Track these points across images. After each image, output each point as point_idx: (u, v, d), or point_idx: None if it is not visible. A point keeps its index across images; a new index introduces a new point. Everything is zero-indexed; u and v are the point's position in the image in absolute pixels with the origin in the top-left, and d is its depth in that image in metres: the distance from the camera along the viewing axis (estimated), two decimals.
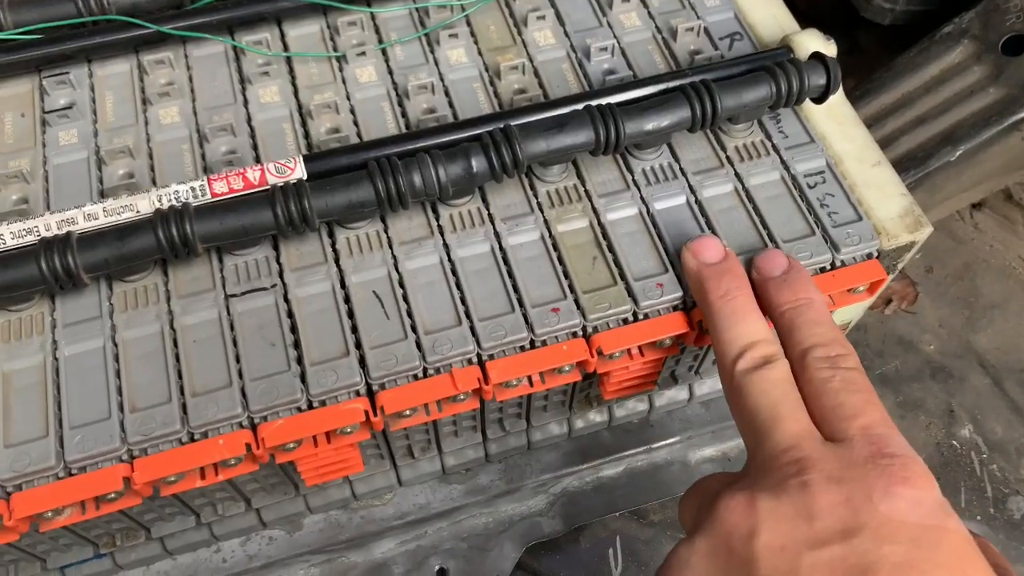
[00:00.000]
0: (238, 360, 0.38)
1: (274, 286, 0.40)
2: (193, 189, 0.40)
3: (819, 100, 0.46)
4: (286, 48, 0.49)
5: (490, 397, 0.40)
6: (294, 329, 0.39)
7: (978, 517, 0.60)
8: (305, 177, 0.41)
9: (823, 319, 0.37)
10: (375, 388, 0.38)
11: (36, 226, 0.39)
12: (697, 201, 0.43)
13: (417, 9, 0.51)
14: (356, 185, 0.40)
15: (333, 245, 0.42)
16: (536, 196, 0.44)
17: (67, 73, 0.47)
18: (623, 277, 0.41)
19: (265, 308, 0.40)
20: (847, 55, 0.84)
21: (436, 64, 0.49)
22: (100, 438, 0.36)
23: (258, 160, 0.44)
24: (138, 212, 0.40)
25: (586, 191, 0.44)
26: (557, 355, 0.40)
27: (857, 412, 0.34)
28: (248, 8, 0.48)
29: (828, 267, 0.42)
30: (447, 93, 0.47)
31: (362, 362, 0.38)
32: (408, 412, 0.39)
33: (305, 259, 0.41)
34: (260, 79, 0.47)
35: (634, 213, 0.43)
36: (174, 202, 0.40)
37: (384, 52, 0.49)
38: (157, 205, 0.40)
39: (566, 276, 0.41)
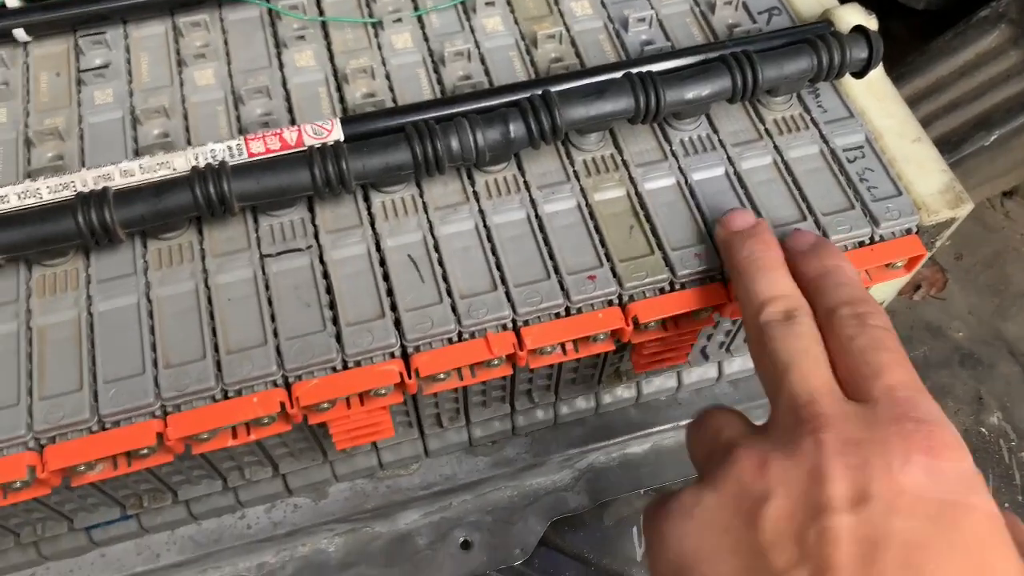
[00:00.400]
0: (273, 319, 0.38)
1: (309, 247, 0.40)
2: (230, 148, 0.40)
3: (859, 74, 0.45)
4: (321, 13, 0.49)
5: (523, 363, 0.39)
6: (329, 290, 0.39)
7: (1006, 504, 0.60)
8: (342, 139, 0.41)
9: (852, 281, 0.36)
10: (410, 351, 0.38)
11: (72, 181, 0.39)
12: (736, 173, 0.43)
13: None
14: (393, 148, 0.40)
15: (369, 209, 0.42)
16: (572, 164, 0.43)
17: (103, 33, 0.47)
18: (660, 246, 0.40)
19: (300, 269, 0.40)
20: None
21: (472, 32, 0.48)
22: (134, 393, 0.36)
23: (293, 123, 0.44)
24: (174, 170, 0.40)
25: (623, 160, 0.43)
26: (592, 323, 0.39)
27: (883, 371, 0.32)
28: None
29: (867, 241, 0.42)
30: (483, 61, 0.47)
31: (397, 325, 0.38)
32: (442, 376, 0.39)
33: (341, 222, 0.41)
34: (296, 43, 0.47)
35: (672, 183, 0.43)
36: (211, 160, 0.40)
37: (420, 19, 0.49)
38: (193, 163, 0.40)
39: (602, 244, 0.41)
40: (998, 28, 0.66)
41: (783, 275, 0.36)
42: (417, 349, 0.38)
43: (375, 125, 0.42)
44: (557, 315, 0.39)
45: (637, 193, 0.42)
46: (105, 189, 0.38)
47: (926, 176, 0.44)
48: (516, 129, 0.41)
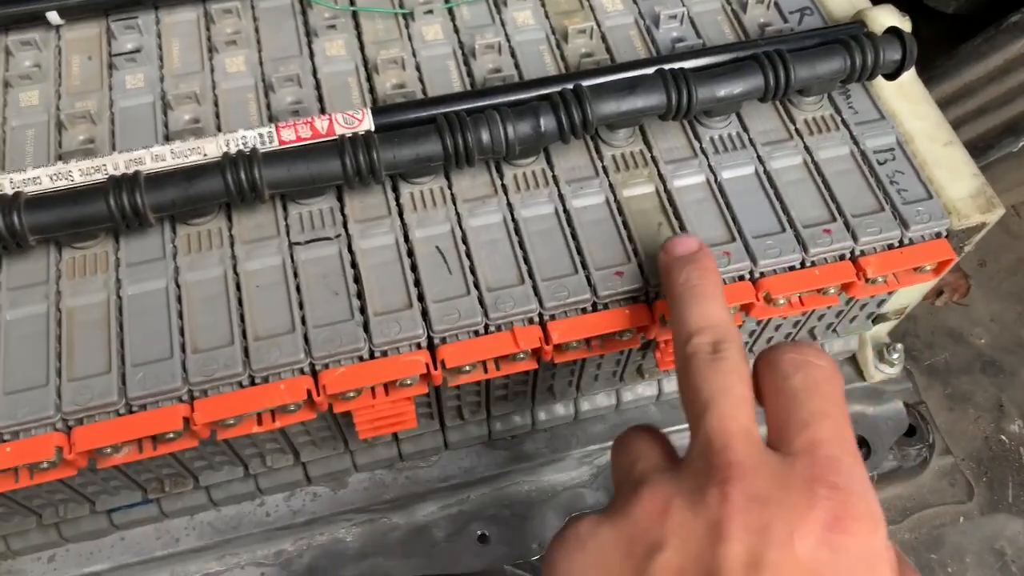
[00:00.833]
0: (301, 307, 0.38)
1: (338, 236, 0.40)
2: (261, 136, 0.40)
3: (892, 76, 0.45)
4: (353, 3, 0.49)
5: (549, 358, 0.39)
6: (357, 279, 0.39)
7: None
8: (373, 129, 0.41)
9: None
10: (436, 342, 0.38)
11: (104, 164, 0.39)
12: (766, 172, 0.43)
13: None
14: (424, 139, 0.40)
15: (397, 199, 0.42)
16: (601, 159, 0.43)
17: (135, 18, 0.47)
18: None
19: (329, 257, 0.40)
20: None
21: (502, 25, 0.48)
22: (162, 377, 0.36)
23: (323, 112, 0.44)
24: (205, 156, 0.40)
25: (652, 157, 0.43)
26: (619, 319, 0.39)
27: (811, 421, 0.30)
28: None
29: (896, 244, 0.42)
30: (513, 54, 0.47)
31: (424, 315, 0.38)
32: (468, 368, 0.39)
33: (369, 212, 0.41)
34: (326, 32, 0.47)
35: (701, 180, 0.43)
36: (241, 147, 0.40)
37: (450, 11, 0.49)
38: (224, 149, 0.40)
39: (631, 240, 0.41)
40: None
41: (717, 304, 0.34)
42: (443, 340, 0.38)
43: (405, 116, 0.42)
44: (583, 310, 0.39)
45: (666, 190, 0.42)
46: (137, 173, 0.38)
47: (957, 180, 0.43)
48: (547, 123, 0.40)
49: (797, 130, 0.44)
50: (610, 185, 0.42)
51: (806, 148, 0.44)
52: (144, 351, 0.37)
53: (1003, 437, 0.62)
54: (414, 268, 0.40)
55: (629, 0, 0.49)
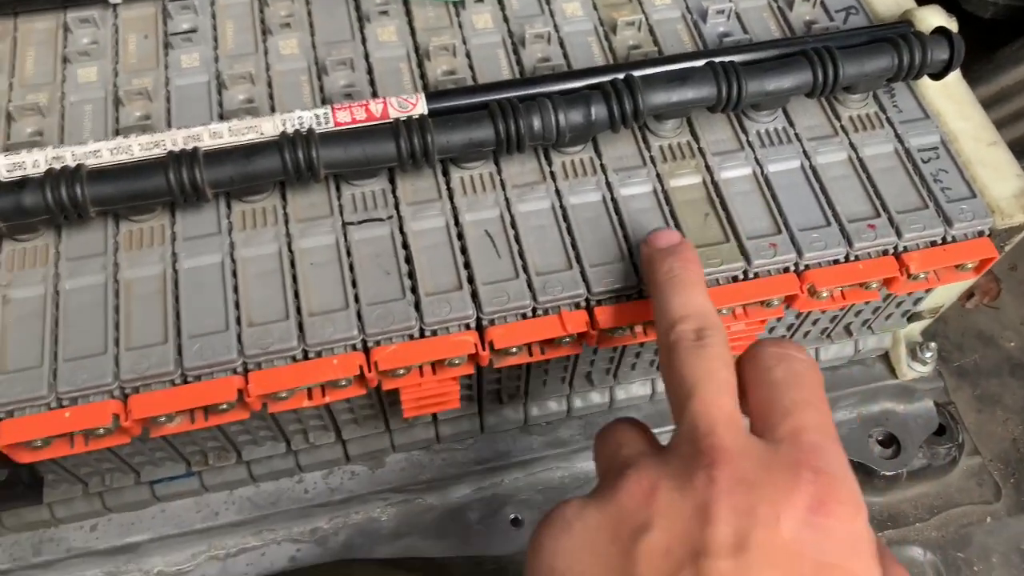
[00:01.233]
0: (354, 285, 0.39)
1: (390, 217, 0.41)
2: (317, 116, 0.41)
3: (938, 76, 0.45)
4: None
5: (594, 343, 0.40)
6: (408, 260, 0.40)
7: None
8: (426, 113, 0.41)
9: None
10: (485, 323, 0.39)
11: (163, 139, 0.40)
12: (812, 166, 0.43)
13: None
14: (477, 124, 0.40)
15: (448, 183, 0.42)
16: (649, 150, 0.44)
17: None
18: (735, 235, 0.41)
19: (381, 238, 0.40)
20: None
21: (552, 15, 0.49)
22: (217, 349, 0.37)
23: (375, 96, 0.45)
24: (261, 134, 0.40)
25: (699, 148, 0.44)
26: None
27: (794, 410, 0.31)
28: None
29: (939, 241, 0.42)
30: (562, 44, 0.48)
31: (474, 297, 0.39)
32: (515, 350, 0.39)
33: (420, 195, 0.42)
34: (378, 18, 0.48)
35: (748, 173, 0.43)
36: (298, 127, 0.40)
37: (500, 0, 0.49)
38: (281, 128, 0.40)
39: (678, 230, 0.41)
40: None
41: (699, 293, 0.35)
42: (492, 322, 0.39)
43: (458, 102, 0.42)
44: (629, 297, 0.40)
45: (713, 181, 0.43)
46: (196, 149, 0.39)
47: (1001, 180, 0.44)
48: (598, 112, 0.41)
49: (842, 127, 0.45)
50: (657, 175, 0.43)
51: (851, 144, 0.44)
52: (200, 323, 0.38)
53: None
54: (464, 251, 0.40)
55: None
